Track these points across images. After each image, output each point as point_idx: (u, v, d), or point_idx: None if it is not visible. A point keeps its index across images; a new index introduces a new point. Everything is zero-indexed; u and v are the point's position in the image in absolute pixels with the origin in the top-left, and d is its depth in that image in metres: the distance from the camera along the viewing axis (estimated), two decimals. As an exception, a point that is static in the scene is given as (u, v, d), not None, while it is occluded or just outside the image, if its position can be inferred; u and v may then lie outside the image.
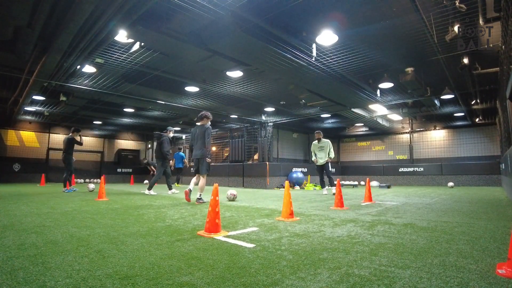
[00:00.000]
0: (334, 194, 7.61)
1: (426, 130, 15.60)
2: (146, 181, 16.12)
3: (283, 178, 11.67)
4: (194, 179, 5.65)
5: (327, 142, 7.92)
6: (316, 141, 8.04)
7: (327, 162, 7.82)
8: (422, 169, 13.87)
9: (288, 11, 4.84)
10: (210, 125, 5.74)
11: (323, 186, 8.15)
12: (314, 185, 11.60)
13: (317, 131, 8.12)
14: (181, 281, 1.55)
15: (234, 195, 6.02)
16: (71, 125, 15.72)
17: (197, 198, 5.48)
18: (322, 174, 8.05)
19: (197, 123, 5.73)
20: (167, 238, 2.51)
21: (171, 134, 8.13)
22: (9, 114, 11.75)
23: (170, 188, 8.05)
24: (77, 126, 9.03)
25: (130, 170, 17.93)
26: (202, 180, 5.54)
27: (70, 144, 8.16)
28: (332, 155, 7.80)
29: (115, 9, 4.34)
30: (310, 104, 10.31)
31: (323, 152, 7.87)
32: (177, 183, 12.79)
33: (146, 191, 7.58)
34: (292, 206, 3.69)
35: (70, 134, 8.28)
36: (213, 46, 5.75)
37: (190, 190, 5.50)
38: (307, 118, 13.53)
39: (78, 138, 8.33)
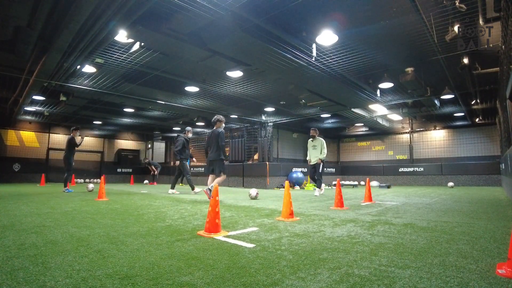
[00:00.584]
0: (316, 196, 7.13)
1: (426, 130, 15.60)
2: (146, 181, 16.12)
3: (283, 178, 11.66)
4: (210, 178, 5.96)
5: (320, 141, 7.54)
6: (311, 139, 7.70)
7: (318, 163, 7.40)
8: (422, 169, 13.87)
9: (288, 11, 4.83)
10: (224, 128, 6.09)
11: (319, 185, 7.57)
12: (314, 185, 11.60)
13: (312, 128, 7.77)
14: (181, 281, 1.55)
15: (257, 193, 6.45)
16: (71, 125, 15.67)
17: (208, 188, 5.59)
18: (313, 174, 7.60)
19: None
20: (167, 238, 2.51)
21: (190, 135, 8.45)
22: (9, 114, 11.75)
23: (172, 188, 8.09)
24: (77, 126, 9.03)
25: (130, 170, 17.93)
26: (220, 177, 5.87)
27: (69, 144, 8.20)
28: (323, 156, 7.35)
29: (115, 9, 4.34)
30: (310, 104, 10.31)
31: (316, 151, 7.50)
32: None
33: (192, 192, 7.96)
34: (292, 206, 3.69)
35: (71, 134, 8.33)
36: (213, 46, 5.75)
37: (209, 189, 5.53)
38: (307, 118, 13.53)
39: (78, 138, 8.35)
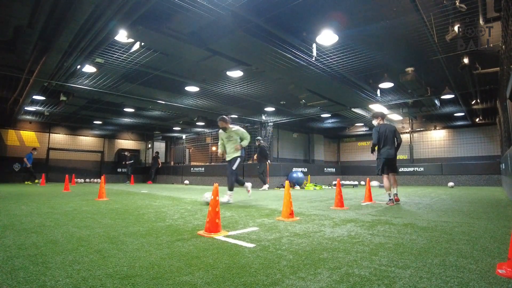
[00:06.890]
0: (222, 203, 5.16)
1: (426, 130, 15.58)
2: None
3: (283, 178, 11.66)
4: (387, 180, 5.75)
5: (236, 129, 5.78)
6: (221, 130, 5.95)
7: (234, 157, 5.66)
8: (422, 169, 13.84)
9: (288, 11, 4.83)
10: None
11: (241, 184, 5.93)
12: (314, 185, 11.60)
13: (220, 118, 5.91)
14: (181, 280, 1.55)
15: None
16: (71, 125, 15.73)
17: (395, 193, 5.60)
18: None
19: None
20: (167, 238, 2.51)
21: (262, 143, 10.77)
22: (9, 114, 11.75)
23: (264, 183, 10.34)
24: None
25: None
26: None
27: None
28: (245, 143, 5.66)
29: (115, 9, 4.34)
30: (310, 104, 10.30)
31: (232, 143, 5.77)
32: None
33: (265, 187, 10.16)
34: (292, 206, 3.69)
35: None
36: (213, 46, 5.75)
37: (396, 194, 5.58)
38: (307, 118, 13.52)
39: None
